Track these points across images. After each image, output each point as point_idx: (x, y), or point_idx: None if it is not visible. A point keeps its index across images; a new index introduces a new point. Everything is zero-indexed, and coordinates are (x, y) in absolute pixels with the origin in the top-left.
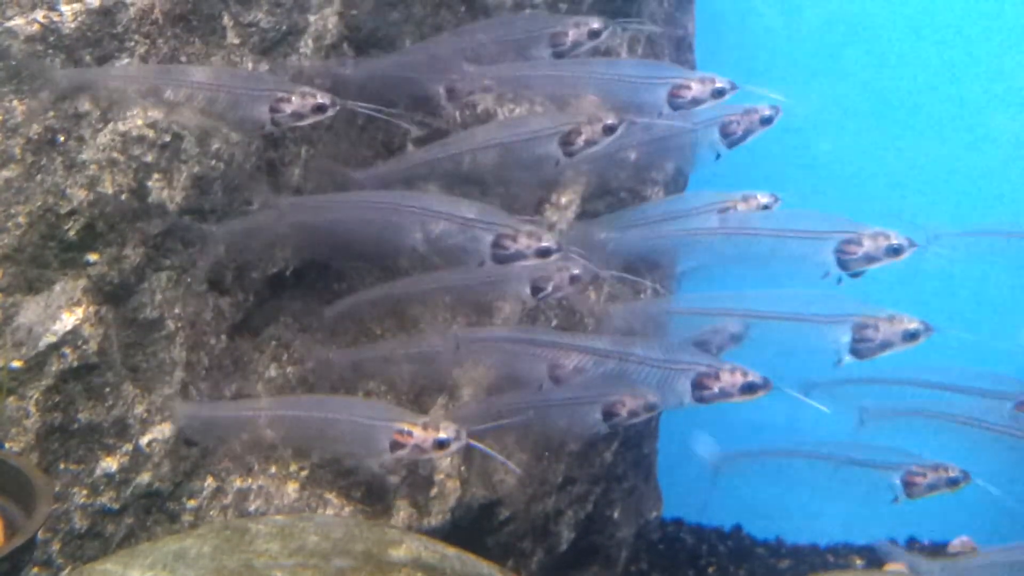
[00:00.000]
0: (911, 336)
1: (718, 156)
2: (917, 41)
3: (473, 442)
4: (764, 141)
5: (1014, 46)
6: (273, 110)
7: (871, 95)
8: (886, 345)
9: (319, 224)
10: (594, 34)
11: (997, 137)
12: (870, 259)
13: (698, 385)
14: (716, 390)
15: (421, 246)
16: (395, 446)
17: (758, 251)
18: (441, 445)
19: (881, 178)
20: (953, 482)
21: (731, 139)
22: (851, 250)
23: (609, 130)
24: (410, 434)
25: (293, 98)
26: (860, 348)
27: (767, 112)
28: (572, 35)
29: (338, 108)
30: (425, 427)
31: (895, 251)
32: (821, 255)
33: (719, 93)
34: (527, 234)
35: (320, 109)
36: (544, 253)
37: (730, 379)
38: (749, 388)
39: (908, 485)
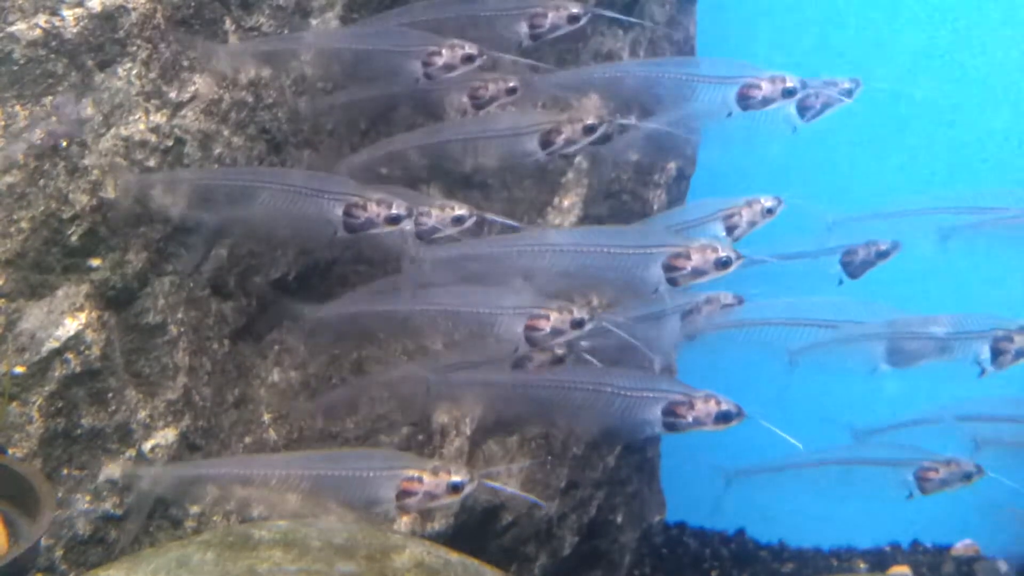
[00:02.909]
0: None
1: (795, 130)
2: (919, 38)
3: (488, 482)
4: (766, 142)
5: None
6: (425, 64)
7: (873, 94)
8: (1020, 355)
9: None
10: (573, 19)
11: (1003, 133)
12: (697, 273)
13: (670, 413)
14: (689, 419)
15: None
16: (404, 495)
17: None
18: (456, 489)
19: (884, 175)
20: (967, 476)
21: (810, 113)
22: (679, 264)
23: (589, 130)
24: (420, 480)
25: (444, 51)
26: (999, 360)
27: (847, 85)
28: (551, 18)
29: (484, 58)
30: (435, 472)
31: (723, 264)
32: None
33: (789, 93)
34: (377, 202)
35: (470, 59)
36: (394, 220)
37: (704, 408)
38: (723, 417)
39: (921, 481)
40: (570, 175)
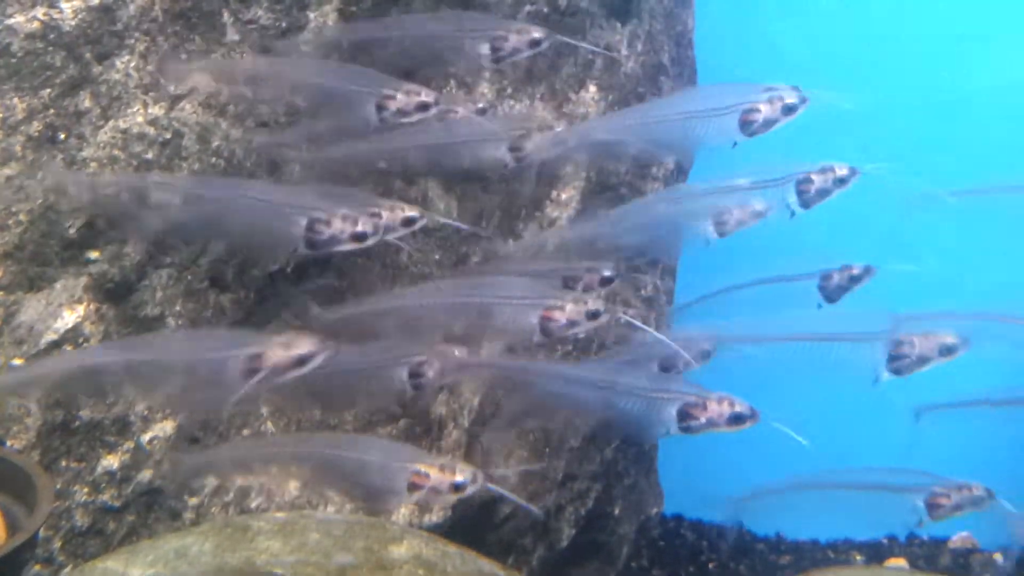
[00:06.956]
0: None
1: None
2: (918, 35)
3: (491, 486)
4: (771, 141)
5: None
6: (380, 107)
7: (871, 89)
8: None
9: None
10: (534, 43)
11: (1000, 132)
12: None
13: (684, 415)
14: (703, 420)
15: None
16: (413, 487)
17: None
18: (457, 488)
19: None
20: (978, 501)
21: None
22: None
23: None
24: (427, 476)
25: (399, 95)
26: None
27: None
28: (513, 41)
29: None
30: (443, 469)
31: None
32: None
33: (790, 110)
34: (341, 217)
35: (424, 107)
36: (359, 238)
37: (717, 409)
38: (737, 419)
39: (932, 507)
40: (568, 168)
